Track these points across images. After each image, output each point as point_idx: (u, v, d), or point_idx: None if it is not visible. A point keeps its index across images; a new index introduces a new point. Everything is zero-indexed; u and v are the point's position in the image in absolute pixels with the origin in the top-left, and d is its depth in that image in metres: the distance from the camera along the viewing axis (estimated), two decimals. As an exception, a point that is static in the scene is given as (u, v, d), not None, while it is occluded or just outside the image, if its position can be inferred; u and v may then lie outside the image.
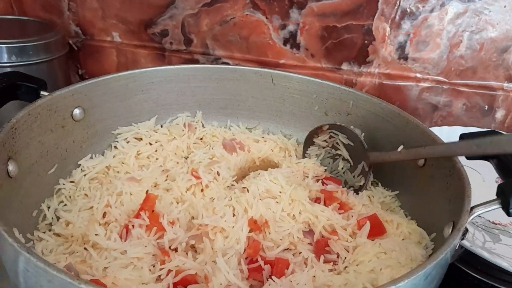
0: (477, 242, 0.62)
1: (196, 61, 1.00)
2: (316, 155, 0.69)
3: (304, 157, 0.70)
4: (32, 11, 1.01)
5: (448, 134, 0.87)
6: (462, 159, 0.55)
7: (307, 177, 0.61)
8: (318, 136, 0.68)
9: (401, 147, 0.57)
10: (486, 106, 0.95)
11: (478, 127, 0.94)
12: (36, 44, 0.86)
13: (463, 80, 0.94)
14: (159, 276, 0.46)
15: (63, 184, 0.58)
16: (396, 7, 0.89)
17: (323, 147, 0.68)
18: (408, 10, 0.89)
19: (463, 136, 0.55)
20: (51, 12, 1.00)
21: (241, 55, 0.99)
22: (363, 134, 0.64)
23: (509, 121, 0.96)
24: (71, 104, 0.59)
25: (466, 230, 0.43)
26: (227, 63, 0.99)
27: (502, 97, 0.94)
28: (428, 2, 0.88)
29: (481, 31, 0.88)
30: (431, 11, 0.88)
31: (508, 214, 0.45)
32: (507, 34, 0.88)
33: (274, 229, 0.51)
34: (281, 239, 0.51)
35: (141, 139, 0.67)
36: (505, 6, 0.86)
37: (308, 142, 0.69)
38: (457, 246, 0.43)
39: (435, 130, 0.85)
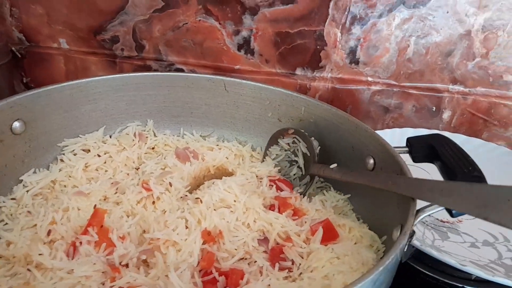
0: (427, 241, 0.65)
1: (149, 67, 0.97)
2: (276, 155, 0.69)
3: (265, 154, 0.70)
4: (-29, 17, 0.95)
5: (400, 135, 0.90)
6: (410, 161, 0.57)
7: (261, 182, 0.61)
8: (283, 138, 0.68)
9: (334, 165, 0.60)
10: (434, 108, 1.00)
11: (427, 127, 0.98)
12: (-25, 52, 0.81)
13: (412, 83, 0.97)
14: (109, 294, 0.45)
15: (3, 202, 0.54)
16: (346, 13, 0.91)
17: (285, 150, 0.68)
18: (358, 15, 0.91)
19: (409, 140, 0.57)
20: (-8, 18, 0.95)
21: (196, 61, 0.98)
22: (319, 147, 0.65)
23: (455, 121, 1.01)
24: (9, 117, 0.56)
25: (413, 232, 0.44)
26: (181, 69, 0.97)
27: (448, 98, 0.98)
28: (376, 8, 0.90)
29: (426, 35, 0.92)
30: (380, 16, 0.91)
31: (451, 215, 0.47)
32: (450, 39, 0.92)
33: (229, 239, 0.51)
34: (236, 249, 0.51)
35: (89, 150, 0.64)
36: (447, 12, 0.90)
37: (272, 141, 0.70)
38: (405, 248, 0.44)
39: (387, 132, 0.89)
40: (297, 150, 0.66)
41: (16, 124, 0.56)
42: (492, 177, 0.68)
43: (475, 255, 0.63)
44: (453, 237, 0.67)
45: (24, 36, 0.97)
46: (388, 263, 0.36)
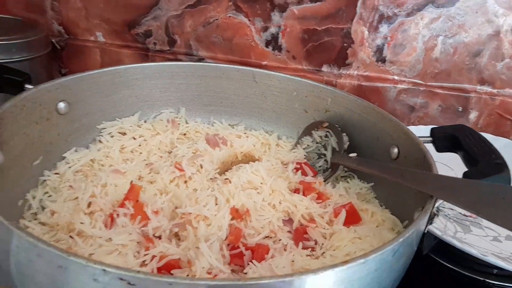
0: (448, 232, 0.67)
1: (180, 62, 1.02)
2: (307, 145, 0.72)
3: (297, 142, 0.74)
4: (15, 10, 1.02)
5: (425, 132, 0.91)
6: (433, 153, 0.59)
7: (287, 168, 0.65)
8: (317, 130, 0.72)
9: (353, 154, 0.63)
10: (460, 108, 1.01)
11: (453, 127, 0.99)
12: (19, 42, 0.88)
13: (438, 83, 0.99)
14: (144, 261, 0.48)
15: (48, 176, 0.60)
16: (374, 11, 0.94)
17: (317, 142, 0.72)
18: (385, 14, 0.94)
19: (433, 130, 0.60)
20: (34, 11, 1.02)
21: (224, 56, 1.02)
22: (348, 143, 0.68)
23: (482, 122, 1.01)
24: (55, 98, 0.61)
25: (434, 215, 0.47)
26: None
27: (475, 99, 0.99)
28: (404, 7, 0.92)
29: (454, 35, 0.94)
30: (407, 15, 0.93)
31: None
32: (479, 39, 0.93)
33: (255, 218, 0.54)
34: (261, 227, 0.54)
35: (125, 133, 0.69)
36: (476, 12, 0.91)
37: (306, 131, 0.73)
38: (425, 229, 0.47)
39: (412, 128, 0.90)
40: (328, 144, 0.69)
41: (61, 105, 0.62)
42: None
43: (497, 248, 0.64)
44: (475, 231, 0.68)
45: (63, 29, 1.03)
46: (408, 236, 0.39)
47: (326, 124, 0.70)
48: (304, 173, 0.66)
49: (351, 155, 0.63)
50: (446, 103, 1.00)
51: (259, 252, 0.50)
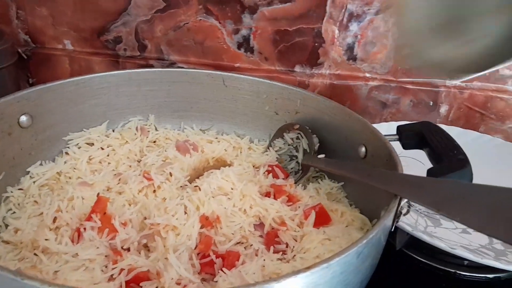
0: (419, 227, 0.67)
1: (151, 67, 1.01)
2: (279, 147, 0.72)
3: (269, 145, 0.74)
4: (-22, 20, 0.99)
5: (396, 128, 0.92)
6: (400, 150, 0.60)
7: (258, 171, 0.64)
8: (289, 132, 0.71)
9: (322, 156, 0.63)
10: (431, 102, 1.02)
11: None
12: (-17, 54, 0.85)
13: (409, 78, 0.99)
14: (112, 275, 0.47)
15: (11, 192, 0.58)
16: (343, 10, 0.94)
17: (288, 144, 0.71)
18: (355, 12, 0.94)
19: (399, 128, 0.60)
20: (-1, 21, 0.99)
21: (197, 60, 1.01)
22: (319, 144, 0.67)
23: (452, 115, 1.03)
24: (17, 111, 0.59)
25: (400, 213, 0.47)
26: (183, 68, 1.01)
27: (445, 93, 1.00)
28: (372, 5, 0.93)
29: (422, 31, 0.94)
30: (377, 13, 0.93)
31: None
32: (446, 34, 0.94)
33: (226, 224, 0.53)
34: (232, 233, 0.53)
35: (92, 144, 0.67)
36: (442, 8, 0.92)
37: (278, 133, 0.73)
38: (392, 227, 0.47)
39: (383, 125, 0.91)
40: (299, 146, 0.69)
41: (23, 118, 0.60)
42: (488, 168, 0.71)
43: (466, 240, 0.65)
44: (445, 224, 0.69)
45: (29, 38, 1.01)
46: (372, 236, 0.38)
47: (297, 126, 0.69)
48: (276, 176, 0.65)
49: (320, 156, 0.62)
50: (417, 98, 1.01)
51: (230, 259, 0.49)
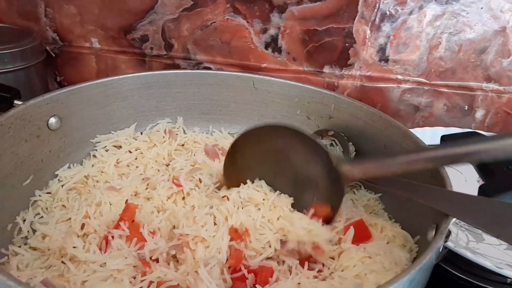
0: (460, 242, 0.62)
1: (177, 66, 0.98)
2: None
3: None
4: (8, 18, 0.98)
5: (431, 134, 0.87)
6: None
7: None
8: (322, 139, 0.67)
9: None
10: (466, 106, 0.97)
11: (458, 127, 0.95)
12: (12, 52, 0.84)
13: (443, 81, 0.94)
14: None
15: (39, 196, 0.56)
16: (375, 10, 0.89)
17: None
18: (388, 12, 0.89)
19: (444, 138, 0.56)
20: (28, 19, 0.98)
21: (223, 60, 0.98)
22: (355, 153, 0.63)
23: (488, 120, 0.97)
24: (46, 113, 0.57)
25: (449, 232, 0.43)
26: (209, 68, 0.98)
27: (481, 97, 0.95)
28: (406, 4, 0.88)
29: (459, 32, 0.89)
30: (410, 13, 0.89)
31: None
32: (485, 35, 0.89)
33: (255, 237, 0.50)
34: (262, 247, 0.50)
35: (120, 147, 0.65)
36: (481, 8, 0.87)
37: None
38: (441, 248, 0.43)
39: (418, 131, 0.86)
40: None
41: (52, 120, 0.58)
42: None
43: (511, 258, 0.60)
44: (488, 239, 0.64)
45: (57, 36, 0.99)
46: (425, 262, 0.35)
47: (331, 133, 0.65)
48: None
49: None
50: (452, 102, 0.96)
51: (263, 275, 0.46)
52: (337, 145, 0.64)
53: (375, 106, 0.98)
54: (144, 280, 0.45)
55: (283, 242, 0.51)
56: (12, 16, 0.98)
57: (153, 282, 0.45)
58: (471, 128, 0.97)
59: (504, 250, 0.63)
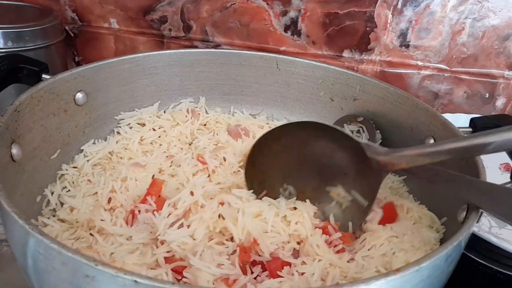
0: (483, 227, 0.62)
1: (195, 48, 0.98)
2: None
3: None
4: (28, -4, 0.98)
5: (453, 120, 0.86)
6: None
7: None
8: (350, 124, 0.66)
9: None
10: (487, 94, 0.95)
11: (479, 114, 0.94)
12: (33, 29, 0.84)
13: (464, 68, 0.93)
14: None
15: (66, 170, 0.56)
16: (398, -6, 0.88)
17: None
18: (411, -4, 0.88)
19: (473, 120, 0.55)
20: (47, -2, 0.98)
21: (242, 42, 0.97)
22: (381, 141, 0.62)
23: (509, 109, 0.96)
24: (73, 88, 0.57)
25: (481, 213, 0.43)
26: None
27: (503, 85, 0.93)
28: (430, -12, 0.87)
29: (483, 18, 0.88)
30: (434, -3, 0.87)
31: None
32: (509, 22, 0.87)
33: (266, 244, 0.45)
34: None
35: (144, 124, 0.65)
36: (508, -7, 0.85)
37: (338, 123, 0.68)
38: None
39: (449, 116, 0.86)
40: None
41: (79, 95, 0.58)
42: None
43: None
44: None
45: (77, 16, 0.99)
46: (461, 239, 0.35)
47: (361, 119, 0.64)
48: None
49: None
50: (472, 89, 0.95)
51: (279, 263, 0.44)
52: (364, 131, 0.63)
53: (395, 92, 0.97)
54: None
55: (295, 251, 0.47)
56: (32, -5, 0.98)
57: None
58: (491, 116, 0.96)
59: (528, 236, 0.62)
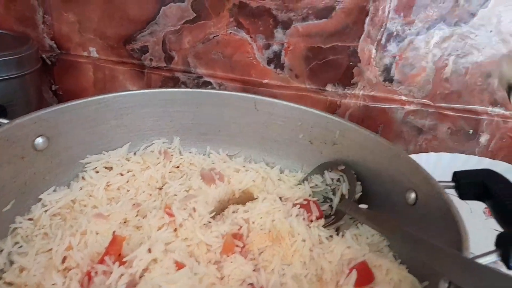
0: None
1: (177, 79, 0.93)
2: (316, 185, 0.62)
3: (305, 179, 0.65)
4: (5, 24, 0.93)
5: (436, 160, 0.83)
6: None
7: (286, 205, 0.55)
8: (330, 171, 0.62)
9: (364, 206, 0.53)
10: (471, 130, 0.92)
11: (462, 150, 0.91)
12: (6, 59, 0.79)
13: (448, 104, 0.90)
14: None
15: (20, 223, 0.50)
16: (382, 29, 0.85)
17: (326, 184, 0.62)
18: (395, 32, 0.85)
19: (456, 174, 0.51)
20: (25, 25, 0.93)
21: (224, 74, 0.93)
22: (361, 193, 0.58)
23: (493, 145, 0.93)
24: (33, 133, 0.52)
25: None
26: (209, 82, 0.93)
27: (487, 121, 0.90)
28: (414, 25, 0.84)
29: (466, 55, 0.85)
30: (417, 34, 0.84)
31: (508, 267, 0.40)
32: (493, 59, 0.84)
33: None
34: None
35: (111, 168, 0.60)
36: (491, 31, 0.82)
37: (318, 169, 0.64)
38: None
39: (422, 156, 0.82)
40: (338, 189, 0.59)
41: (39, 140, 0.52)
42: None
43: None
44: None
45: (55, 44, 0.94)
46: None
47: (342, 168, 0.60)
48: (309, 211, 0.56)
49: (361, 206, 0.53)
50: (456, 125, 0.92)
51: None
52: (344, 181, 0.59)
53: (378, 126, 0.94)
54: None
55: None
56: (9, 22, 0.93)
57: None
58: (474, 153, 0.92)
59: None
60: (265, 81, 0.93)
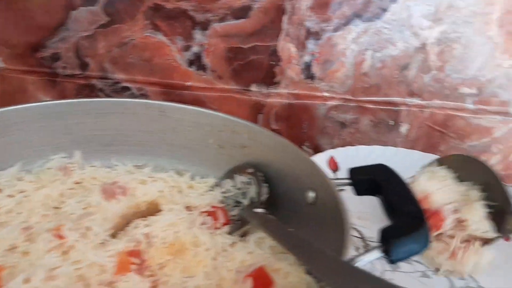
0: (375, 272, 0.58)
1: (93, 86, 0.89)
2: (227, 189, 0.61)
3: (217, 184, 0.63)
4: None
5: (355, 153, 0.85)
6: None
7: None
8: (240, 175, 0.60)
9: (259, 210, 0.51)
10: (392, 122, 0.94)
11: (384, 141, 0.93)
12: None
13: (368, 97, 0.91)
14: None
15: None
16: (300, 27, 0.85)
17: (237, 188, 0.60)
18: (312, 30, 0.85)
19: (352, 171, 0.51)
20: None
21: (144, 78, 0.89)
22: (268, 196, 0.57)
23: (412, 134, 0.96)
24: None
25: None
26: (128, 88, 0.89)
27: (405, 112, 0.93)
28: (331, 21, 0.84)
29: (382, 49, 0.87)
30: (335, 30, 0.85)
31: (391, 261, 0.40)
32: (406, 52, 0.87)
33: None
34: None
35: (0, 190, 0.55)
36: (403, 25, 0.84)
37: (229, 174, 0.62)
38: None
39: (340, 151, 0.83)
40: (247, 192, 0.58)
41: None
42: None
43: (426, 286, 0.57)
44: (403, 267, 0.60)
45: (-45, 55, 0.87)
46: None
47: (250, 170, 0.58)
48: (216, 219, 0.55)
49: (257, 210, 0.52)
50: (377, 117, 0.94)
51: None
52: (253, 184, 0.57)
53: (303, 123, 0.94)
54: None
55: None
56: None
57: None
58: (396, 143, 0.94)
59: (419, 278, 0.59)
60: (188, 83, 0.90)
